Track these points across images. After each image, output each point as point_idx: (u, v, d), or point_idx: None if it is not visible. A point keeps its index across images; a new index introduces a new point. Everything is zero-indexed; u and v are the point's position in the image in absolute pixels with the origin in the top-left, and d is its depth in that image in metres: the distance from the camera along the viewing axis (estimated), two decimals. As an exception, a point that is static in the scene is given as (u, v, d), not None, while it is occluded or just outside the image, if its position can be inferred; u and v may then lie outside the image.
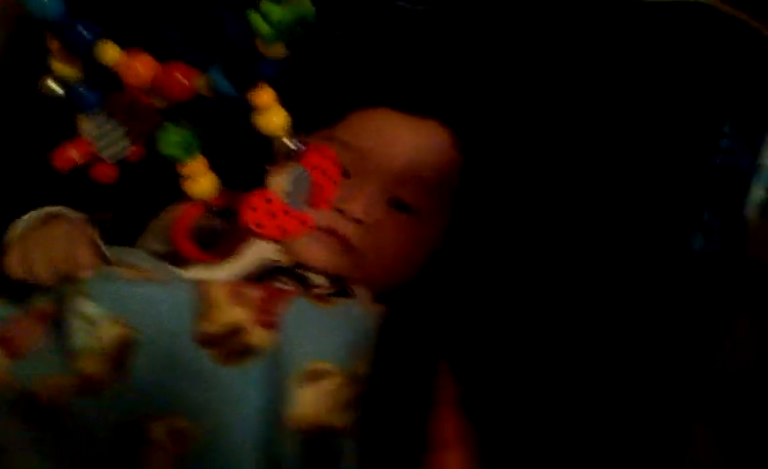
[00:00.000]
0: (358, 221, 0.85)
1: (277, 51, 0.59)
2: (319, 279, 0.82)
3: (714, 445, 0.74)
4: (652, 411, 0.76)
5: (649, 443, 0.75)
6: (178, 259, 0.78)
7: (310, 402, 0.63)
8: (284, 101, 0.65)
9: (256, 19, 0.57)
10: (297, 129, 0.78)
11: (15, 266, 0.73)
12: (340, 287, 0.83)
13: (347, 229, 0.84)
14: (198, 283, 0.70)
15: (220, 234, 0.76)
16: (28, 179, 0.83)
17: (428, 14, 1.02)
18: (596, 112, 0.89)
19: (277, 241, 0.70)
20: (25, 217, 0.79)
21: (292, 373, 0.64)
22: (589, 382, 0.78)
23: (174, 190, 0.75)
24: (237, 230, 0.75)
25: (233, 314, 0.67)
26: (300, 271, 0.82)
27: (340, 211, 0.85)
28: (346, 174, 0.87)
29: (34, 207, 0.80)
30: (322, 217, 0.83)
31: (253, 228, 0.68)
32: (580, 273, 0.83)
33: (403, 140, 0.90)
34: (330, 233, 0.84)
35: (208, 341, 0.66)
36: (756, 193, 0.80)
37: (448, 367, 0.76)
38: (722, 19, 0.87)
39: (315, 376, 0.64)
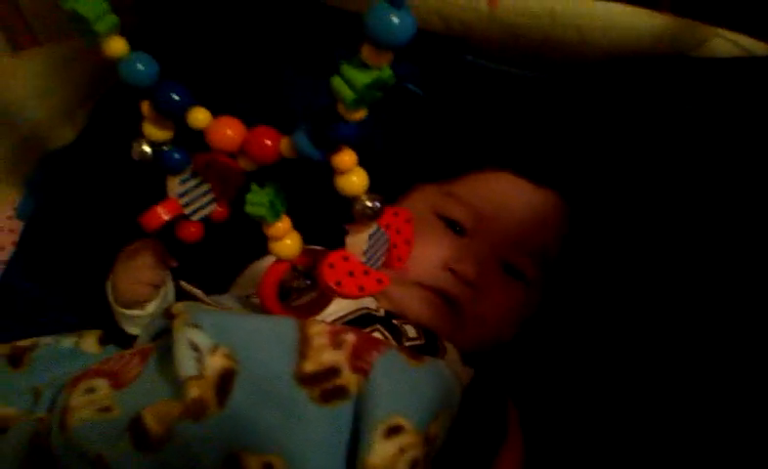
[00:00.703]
0: (469, 283, 0.86)
1: (358, 114, 0.61)
2: (412, 332, 0.83)
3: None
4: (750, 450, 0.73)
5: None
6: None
7: (383, 454, 0.64)
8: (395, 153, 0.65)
9: (339, 84, 0.59)
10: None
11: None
12: (432, 341, 0.84)
13: (457, 289, 0.86)
14: (299, 322, 0.71)
15: (304, 293, 0.78)
16: (119, 242, 0.87)
17: (540, 81, 1.05)
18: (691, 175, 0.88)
19: (357, 297, 0.72)
20: None
21: (373, 423, 0.65)
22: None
23: (257, 248, 0.78)
24: (320, 288, 0.77)
25: (330, 355, 0.69)
26: (395, 321, 0.83)
27: (452, 271, 0.87)
28: (461, 232, 0.90)
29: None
30: (434, 277, 0.86)
31: (332, 286, 0.69)
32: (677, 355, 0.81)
33: (522, 206, 0.92)
34: (441, 293, 0.86)
35: (306, 379, 0.67)
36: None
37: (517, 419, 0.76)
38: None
39: (392, 431, 0.65)
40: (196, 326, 0.70)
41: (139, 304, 0.86)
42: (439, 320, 0.87)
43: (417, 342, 0.82)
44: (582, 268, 0.92)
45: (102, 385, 0.73)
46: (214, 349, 0.68)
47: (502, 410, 0.80)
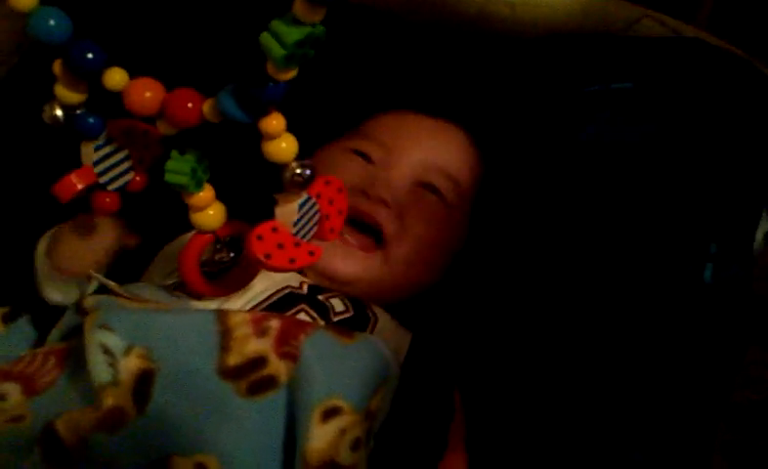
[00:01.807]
0: (384, 202, 0.86)
1: (288, 74, 0.58)
2: (339, 305, 0.81)
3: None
4: (669, 446, 0.74)
5: None
6: (188, 291, 0.76)
7: (323, 438, 0.63)
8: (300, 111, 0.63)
9: (268, 40, 0.55)
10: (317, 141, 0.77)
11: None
12: (361, 311, 0.82)
13: (374, 210, 0.86)
14: (219, 313, 0.68)
15: (228, 266, 0.74)
16: (30, 210, 0.81)
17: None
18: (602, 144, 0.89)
19: (288, 270, 0.69)
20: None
21: (309, 409, 0.63)
22: (601, 417, 0.77)
23: (179, 220, 0.74)
24: (246, 261, 0.73)
25: (254, 345, 0.66)
26: (320, 297, 0.81)
27: (366, 195, 0.86)
28: (369, 161, 0.91)
29: (36, 238, 0.79)
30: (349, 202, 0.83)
31: (261, 259, 0.65)
32: (589, 303, 0.82)
33: (425, 133, 0.95)
34: (359, 221, 0.85)
35: (231, 373, 0.65)
36: (765, 226, 0.80)
37: (460, 400, 0.75)
38: (716, 53, 0.88)
39: (329, 413, 0.64)
40: (107, 328, 0.66)
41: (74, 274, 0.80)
42: (365, 265, 0.86)
43: (346, 315, 0.81)
44: (499, 210, 0.95)
45: (13, 390, 0.68)
46: (128, 351, 0.65)
47: (447, 385, 0.79)
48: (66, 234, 0.80)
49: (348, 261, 0.85)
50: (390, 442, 0.69)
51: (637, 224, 0.83)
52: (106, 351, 0.65)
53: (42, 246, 0.82)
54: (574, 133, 0.91)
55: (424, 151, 0.92)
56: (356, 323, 0.80)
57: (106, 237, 0.80)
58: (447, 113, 0.98)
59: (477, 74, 1.04)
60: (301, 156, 0.64)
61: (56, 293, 0.82)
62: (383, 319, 0.84)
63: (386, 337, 0.80)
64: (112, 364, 0.64)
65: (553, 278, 0.86)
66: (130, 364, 0.64)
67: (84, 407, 0.64)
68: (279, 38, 0.55)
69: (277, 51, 0.55)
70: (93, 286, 0.80)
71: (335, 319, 0.79)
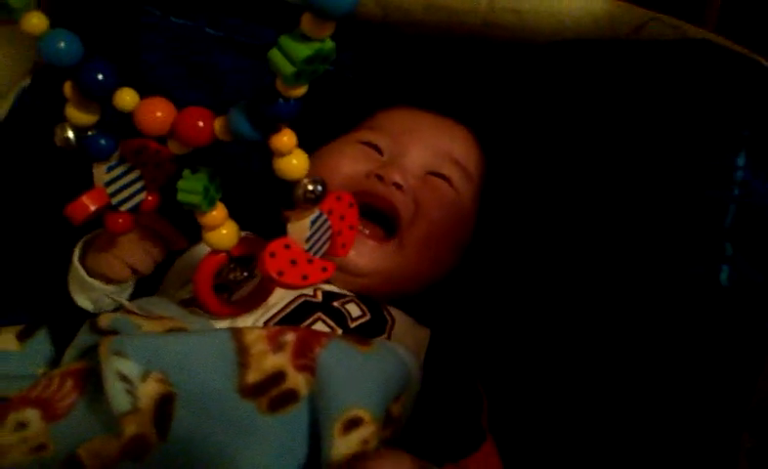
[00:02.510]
0: (399, 186, 0.86)
1: (298, 91, 0.58)
2: (355, 311, 0.81)
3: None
4: (693, 455, 0.73)
5: None
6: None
7: (346, 449, 0.62)
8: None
9: (277, 58, 0.55)
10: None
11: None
12: (377, 314, 0.82)
13: (387, 192, 0.86)
14: (234, 332, 0.68)
15: (243, 284, 0.74)
16: (45, 233, 0.81)
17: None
18: (611, 149, 0.90)
19: (301, 287, 0.69)
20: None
21: (330, 421, 0.63)
22: (624, 427, 0.76)
23: (192, 235, 0.74)
24: (260, 278, 0.73)
25: (272, 360, 0.66)
26: (335, 304, 0.80)
27: (378, 177, 0.87)
28: (379, 151, 0.92)
29: (49, 257, 0.79)
30: (361, 184, 0.86)
31: (274, 276, 0.65)
32: (600, 301, 0.82)
33: (433, 125, 0.96)
34: (371, 205, 0.85)
35: (251, 391, 0.65)
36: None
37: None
38: (722, 53, 0.87)
39: (350, 424, 0.63)
40: (121, 355, 0.65)
41: (108, 279, 0.80)
42: (380, 256, 0.85)
43: (363, 319, 0.80)
44: (511, 207, 0.96)
45: (33, 418, 0.67)
46: (145, 376, 0.64)
47: (472, 377, 0.79)
48: (101, 241, 0.80)
49: (363, 253, 0.84)
50: (421, 439, 0.69)
51: (647, 222, 0.82)
52: (124, 378, 0.64)
53: (77, 251, 0.82)
54: (586, 133, 0.91)
55: (434, 141, 0.93)
56: (373, 327, 0.80)
57: (145, 242, 0.80)
58: (452, 114, 0.99)
59: (482, 78, 1.05)
60: (308, 150, 0.64)
61: (86, 301, 0.82)
62: (400, 320, 0.83)
63: (404, 337, 0.80)
64: (131, 392, 0.64)
65: (565, 277, 0.86)
66: (148, 390, 0.64)
67: (106, 436, 0.64)
68: (288, 55, 0.55)
69: (287, 68, 0.55)
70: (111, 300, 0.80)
71: (353, 324, 0.79)
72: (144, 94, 0.64)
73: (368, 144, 0.93)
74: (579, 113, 0.93)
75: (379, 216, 0.87)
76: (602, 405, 0.78)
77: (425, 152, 0.91)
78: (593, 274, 0.84)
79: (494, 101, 1.03)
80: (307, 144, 0.64)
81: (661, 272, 0.79)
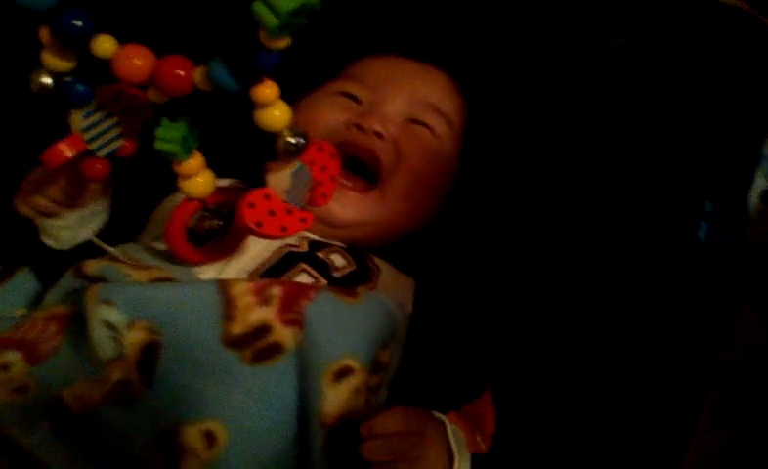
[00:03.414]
0: (379, 135, 0.85)
1: (281, 42, 0.58)
2: (339, 261, 0.81)
3: (720, 433, 0.74)
4: (659, 401, 0.76)
5: (656, 432, 0.76)
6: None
7: (337, 399, 0.64)
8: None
9: (261, 9, 0.55)
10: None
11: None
12: (362, 264, 0.82)
13: (368, 141, 0.85)
14: (220, 284, 0.68)
15: (218, 233, 0.74)
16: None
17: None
18: (596, 97, 0.90)
19: (279, 238, 0.69)
20: None
21: (320, 372, 0.64)
22: (595, 371, 0.79)
23: (170, 184, 0.74)
24: (235, 227, 0.73)
25: (257, 313, 0.67)
26: (320, 254, 0.80)
27: (358, 126, 0.86)
28: (357, 101, 0.90)
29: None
30: (341, 133, 0.85)
31: (253, 227, 0.65)
32: (583, 262, 0.84)
33: (411, 72, 0.94)
34: (352, 155, 0.84)
35: (235, 342, 0.65)
36: (759, 182, 0.81)
37: None
38: (715, 8, 0.88)
39: (341, 374, 0.65)
40: (109, 303, 0.66)
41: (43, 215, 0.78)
42: (363, 207, 0.85)
43: (347, 270, 0.80)
44: (494, 154, 0.96)
45: (16, 360, 0.68)
46: (131, 325, 0.65)
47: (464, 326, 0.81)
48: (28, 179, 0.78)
49: (345, 204, 0.84)
50: (423, 387, 0.71)
51: (631, 176, 0.83)
52: (109, 326, 0.65)
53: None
54: (571, 81, 0.92)
55: (412, 88, 0.92)
56: (358, 276, 0.80)
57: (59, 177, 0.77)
58: (430, 59, 0.98)
59: (461, 22, 1.04)
60: (288, 101, 0.63)
61: (49, 240, 0.80)
62: (385, 269, 0.84)
63: (390, 286, 0.81)
64: (116, 339, 0.65)
65: (546, 226, 0.88)
66: (134, 338, 0.65)
67: (92, 380, 0.65)
68: (273, 7, 0.54)
69: (271, 21, 0.54)
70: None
71: (337, 274, 0.79)
72: (123, 40, 0.63)
73: (347, 94, 0.92)
74: (562, 59, 0.94)
75: (360, 166, 0.86)
76: (578, 352, 0.80)
77: (404, 100, 0.91)
78: (574, 222, 0.85)
79: (474, 45, 1.02)
80: (285, 94, 0.63)
81: (641, 226, 0.80)
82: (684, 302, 0.77)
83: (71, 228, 0.79)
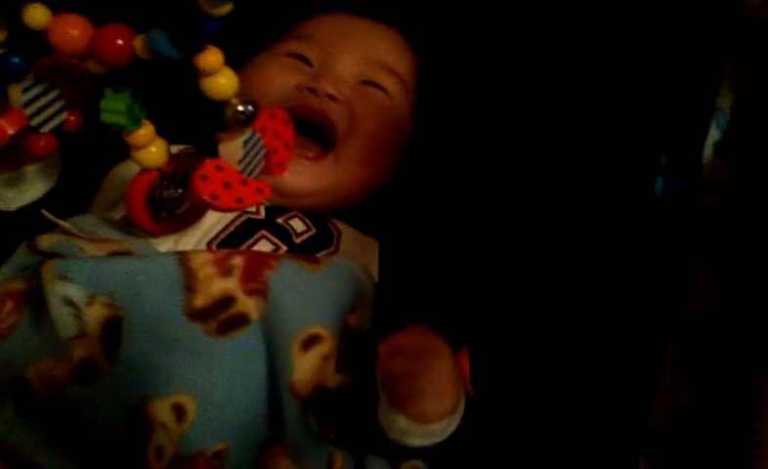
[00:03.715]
0: (332, 97, 0.83)
1: (223, 9, 0.54)
2: (299, 226, 0.79)
3: (682, 385, 0.75)
4: (620, 357, 0.77)
5: (618, 388, 0.77)
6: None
7: (307, 368, 0.64)
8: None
9: (199, -26, 0.52)
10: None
11: None
12: (322, 227, 0.81)
13: (321, 104, 0.83)
14: (180, 256, 0.67)
15: (177, 202, 0.71)
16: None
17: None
18: (546, 53, 0.89)
19: (236, 210, 0.67)
20: None
21: (287, 341, 0.64)
22: (560, 327, 0.79)
23: (118, 151, 0.71)
24: (191, 198, 0.71)
25: (219, 285, 0.66)
26: (279, 220, 0.79)
27: (310, 90, 0.84)
28: (308, 63, 0.88)
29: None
30: (294, 98, 0.83)
31: (207, 200, 0.64)
32: (542, 219, 0.84)
33: (362, 31, 0.92)
34: (305, 118, 0.82)
35: (199, 314, 0.65)
36: (714, 135, 0.80)
37: None
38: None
39: (309, 342, 0.65)
40: (67, 279, 0.64)
41: None
42: (317, 174, 0.83)
43: (308, 234, 0.79)
44: (449, 112, 0.95)
45: None
46: (90, 300, 0.64)
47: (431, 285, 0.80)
48: None
49: (300, 172, 0.82)
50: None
51: (587, 133, 0.83)
52: (69, 302, 0.64)
53: None
54: (525, 38, 0.89)
55: (364, 48, 0.90)
56: (319, 241, 0.80)
57: None
58: (381, 16, 0.95)
59: None
60: (233, 66, 0.61)
61: None
62: (346, 232, 0.83)
63: (352, 248, 0.80)
64: (77, 316, 0.64)
65: (502, 181, 0.87)
66: (95, 314, 0.64)
67: (55, 359, 0.64)
68: (211, -28, 0.51)
69: (210, -14, 0.51)
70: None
71: (298, 240, 0.78)
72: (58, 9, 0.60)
73: (296, 55, 0.89)
74: (517, 14, 0.92)
75: (314, 131, 0.84)
76: (541, 308, 0.79)
77: (357, 60, 0.88)
78: (532, 179, 0.85)
79: (427, 4, 0.99)
80: (230, 58, 0.60)
81: (596, 182, 0.79)
82: (643, 256, 0.78)
83: (16, 186, 0.76)
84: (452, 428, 0.67)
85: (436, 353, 0.64)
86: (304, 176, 0.82)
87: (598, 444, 0.75)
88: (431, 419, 0.63)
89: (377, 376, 0.63)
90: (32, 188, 0.77)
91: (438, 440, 0.66)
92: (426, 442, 0.65)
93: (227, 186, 0.65)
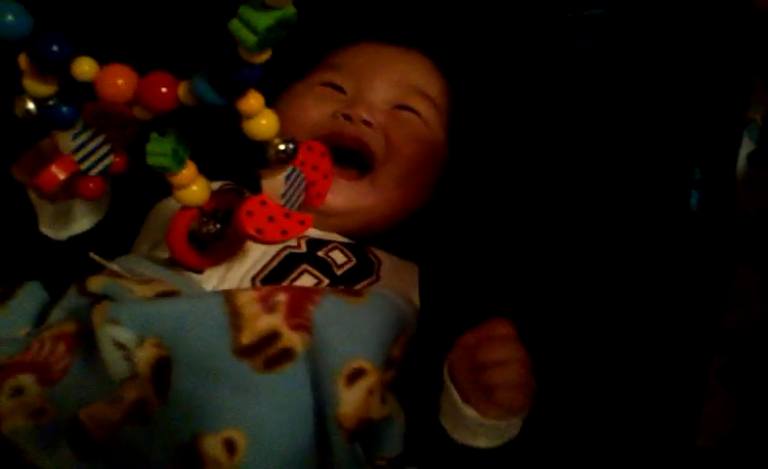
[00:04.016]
0: (368, 123, 0.85)
1: (262, 57, 0.57)
2: (340, 257, 0.81)
3: (728, 400, 0.75)
4: (665, 374, 0.77)
5: (664, 405, 0.76)
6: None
7: (353, 401, 0.65)
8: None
9: (238, 28, 0.54)
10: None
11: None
12: (362, 257, 0.82)
13: (357, 131, 0.85)
14: (226, 294, 0.69)
15: (216, 238, 0.74)
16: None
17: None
18: (579, 71, 0.90)
19: (280, 242, 0.69)
20: None
21: (332, 376, 0.65)
22: (602, 348, 0.79)
23: (159, 189, 0.74)
24: (234, 230, 0.73)
25: (265, 321, 0.67)
26: (320, 253, 0.80)
27: (345, 117, 0.85)
28: (341, 91, 0.89)
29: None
30: (329, 126, 0.84)
31: (254, 234, 0.66)
32: (580, 237, 0.84)
33: (392, 58, 0.93)
34: (342, 146, 0.84)
35: (246, 351, 0.66)
36: (747, 147, 0.80)
37: None
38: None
39: (354, 376, 0.66)
40: (117, 322, 0.66)
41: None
42: (355, 194, 0.84)
43: (349, 265, 0.81)
44: (482, 134, 0.96)
45: (29, 383, 0.68)
46: (140, 342, 0.65)
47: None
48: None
49: (337, 192, 0.83)
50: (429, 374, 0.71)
51: (619, 149, 0.83)
52: (119, 345, 0.65)
53: None
54: (549, 54, 0.90)
55: (396, 73, 0.91)
56: (360, 271, 0.81)
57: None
58: (408, 43, 0.97)
59: (435, 3, 1.03)
60: (270, 96, 0.63)
61: (44, 227, 0.82)
62: (386, 260, 0.84)
63: (393, 276, 0.81)
64: (128, 358, 0.65)
65: (536, 201, 0.88)
66: (145, 355, 0.65)
67: (108, 400, 0.65)
68: (250, 25, 0.53)
69: (249, 38, 0.54)
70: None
71: (339, 272, 0.79)
72: (104, 61, 0.63)
73: (330, 84, 0.90)
74: (539, 32, 0.93)
75: (351, 155, 0.86)
76: (577, 324, 0.80)
77: (389, 86, 0.90)
78: (566, 200, 0.85)
79: (451, 26, 1.01)
80: (267, 89, 0.63)
81: (633, 200, 0.80)
82: (682, 272, 0.78)
83: (66, 217, 0.80)
84: (515, 431, 0.69)
85: (520, 345, 0.66)
86: (342, 195, 0.84)
87: (646, 463, 0.76)
88: (516, 409, 0.66)
89: (447, 372, 0.66)
90: (81, 220, 0.81)
91: (501, 442, 0.68)
92: (493, 443, 0.67)
93: (271, 219, 0.67)
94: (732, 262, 0.77)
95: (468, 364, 0.65)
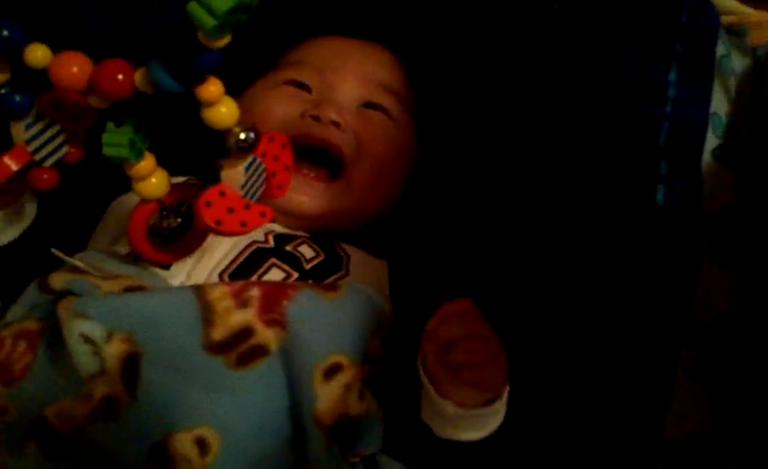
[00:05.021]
0: (336, 124, 0.84)
1: (221, 41, 0.56)
2: (308, 252, 0.80)
3: (696, 392, 0.76)
4: (633, 368, 0.77)
5: (632, 398, 0.76)
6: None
7: (330, 397, 0.64)
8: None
9: (197, 10, 0.53)
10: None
11: None
12: (331, 252, 0.81)
13: (325, 132, 0.83)
14: (197, 289, 0.68)
15: (178, 232, 0.72)
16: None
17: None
18: (541, 68, 0.89)
19: (239, 234, 0.68)
20: None
21: (308, 371, 0.64)
22: (564, 341, 0.79)
23: (117, 184, 0.72)
24: (195, 224, 0.72)
25: (237, 316, 0.66)
26: (288, 247, 0.79)
27: (313, 117, 0.84)
28: (307, 89, 0.88)
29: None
30: (297, 126, 0.83)
31: (212, 225, 0.64)
32: (548, 231, 0.83)
33: (356, 53, 0.92)
34: (310, 145, 0.83)
35: (217, 347, 0.65)
36: (711, 141, 0.81)
37: None
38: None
39: (330, 372, 0.65)
40: (85, 316, 0.64)
41: None
42: (330, 196, 0.83)
43: (317, 260, 0.80)
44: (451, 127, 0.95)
45: None
46: (109, 337, 0.64)
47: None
48: None
49: (313, 196, 0.83)
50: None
51: (582, 144, 0.83)
52: (87, 340, 0.63)
53: None
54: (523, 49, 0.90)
55: (361, 70, 0.90)
56: (329, 265, 0.80)
57: None
58: (370, 36, 0.96)
59: None
60: (232, 93, 0.62)
61: None
62: (354, 254, 0.83)
63: (362, 271, 0.81)
64: (96, 353, 0.63)
65: (503, 197, 0.87)
66: (114, 350, 0.63)
67: (75, 397, 0.64)
68: (209, 8, 0.52)
69: (208, 22, 0.53)
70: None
71: (308, 266, 0.78)
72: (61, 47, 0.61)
73: (295, 82, 0.89)
74: (504, 30, 0.92)
75: (321, 156, 0.84)
76: (544, 317, 0.79)
77: (355, 83, 0.88)
78: (532, 192, 0.84)
79: (410, 19, 1.00)
80: (228, 85, 0.61)
81: (598, 194, 0.80)
82: (649, 265, 0.78)
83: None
84: (499, 420, 0.68)
85: (483, 320, 0.64)
86: (318, 199, 0.83)
87: (615, 455, 0.75)
88: (489, 389, 0.64)
89: (421, 368, 0.65)
90: (11, 229, 0.77)
91: (487, 433, 0.67)
92: (478, 434, 0.66)
93: (230, 211, 0.65)
94: (699, 256, 0.77)
95: (433, 350, 0.64)
